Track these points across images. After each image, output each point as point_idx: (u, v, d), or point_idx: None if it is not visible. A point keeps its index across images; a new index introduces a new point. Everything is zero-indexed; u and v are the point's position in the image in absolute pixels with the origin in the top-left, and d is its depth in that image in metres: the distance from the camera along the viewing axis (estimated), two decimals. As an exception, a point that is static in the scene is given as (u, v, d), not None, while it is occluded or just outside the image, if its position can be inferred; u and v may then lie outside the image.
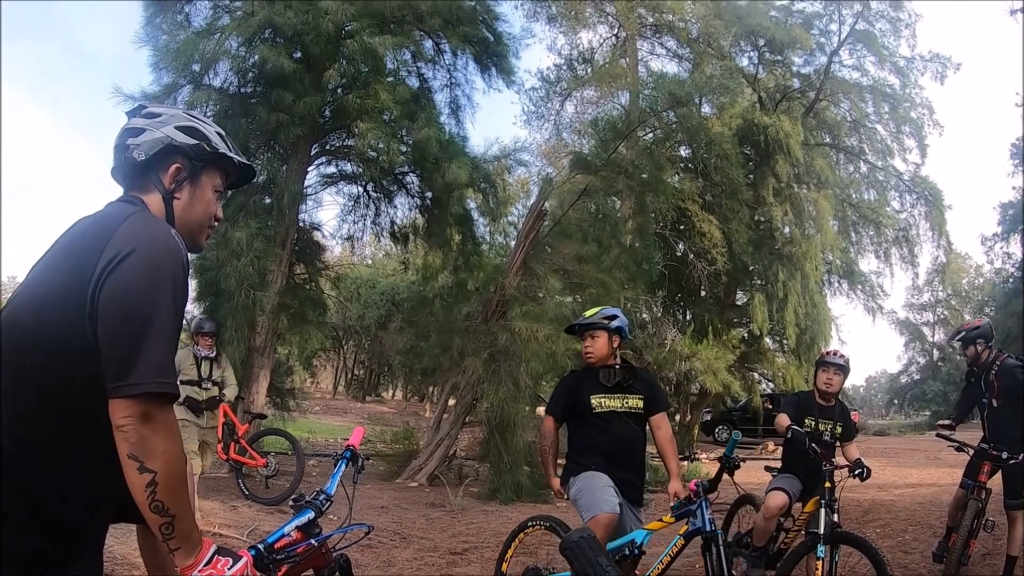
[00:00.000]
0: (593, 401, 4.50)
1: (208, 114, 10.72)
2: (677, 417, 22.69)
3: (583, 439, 4.55)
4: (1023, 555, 5.62)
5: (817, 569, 4.38)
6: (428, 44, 13.02)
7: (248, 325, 10.86)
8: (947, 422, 6.29)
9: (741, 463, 4.30)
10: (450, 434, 12.54)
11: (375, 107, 11.23)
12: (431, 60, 13.26)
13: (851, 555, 4.72)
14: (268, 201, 11.56)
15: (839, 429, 5.47)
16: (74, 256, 1.65)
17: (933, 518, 8.21)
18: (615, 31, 22.59)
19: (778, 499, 5.17)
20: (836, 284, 23.28)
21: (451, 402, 13.24)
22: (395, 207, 14.07)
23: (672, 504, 4.28)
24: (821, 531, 4.49)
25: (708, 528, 3.99)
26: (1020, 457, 5.43)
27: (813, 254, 19.57)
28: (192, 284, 10.67)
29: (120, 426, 1.52)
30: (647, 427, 4.65)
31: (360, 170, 13.08)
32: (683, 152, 20.35)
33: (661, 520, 4.31)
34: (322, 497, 2.53)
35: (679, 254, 19.87)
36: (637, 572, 4.29)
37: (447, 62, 13.41)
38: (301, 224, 12.84)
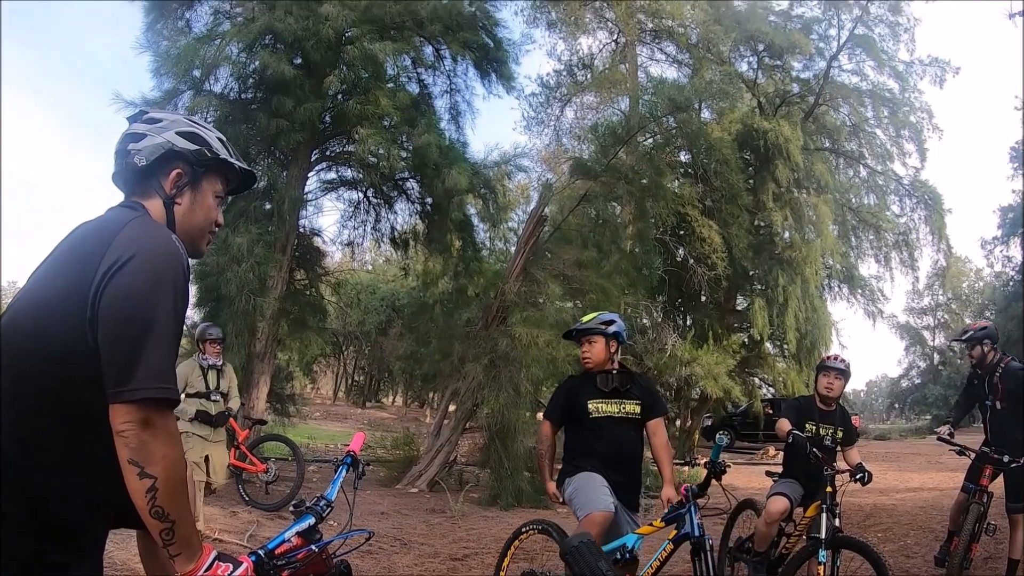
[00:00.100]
0: (590, 406, 4.51)
1: (209, 120, 10.74)
2: (678, 422, 22.68)
3: (580, 443, 4.56)
4: (1025, 559, 5.61)
5: (819, 574, 4.36)
6: (428, 50, 13.05)
7: (248, 331, 10.86)
8: (947, 428, 6.26)
9: (728, 467, 4.29)
10: (450, 440, 12.52)
11: (375, 113, 11.25)
12: (431, 66, 13.29)
13: (853, 560, 4.70)
14: (268, 207, 11.57)
15: (840, 433, 5.47)
16: (75, 261, 1.65)
17: (935, 522, 8.21)
18: (615, 37, 22.63)
19: (779, 504, 5.16)
20: (836, 288, 23.28)
21: (451, 408, 13.23)
22: (395, 213, 14.10)
23: (665, 509, 4.28)
24: (823, 536, 4.49)
25: (696, 533, 3.99)
26: (1022, 460, 5.42)
27: (813, 259, 19.56)
28: (193, 290, 10.68)
29: (120, 431, 1.52)
30: (644, 432, 4.65)
31: (360, 176, 13.09)
32: (683, 157, 20.39)
33: (651, 524, 4.31)
34: (323, 503, 2.52)
35: (679, 259, 19.88)
36: None
37: (447, 68, 13.44)
38: (301, 230, 12.85)
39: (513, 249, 14.08)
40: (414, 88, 13.06)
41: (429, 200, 13.28)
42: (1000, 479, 5.78)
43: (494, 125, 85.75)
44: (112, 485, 1.58)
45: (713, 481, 4.17)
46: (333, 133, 12.67)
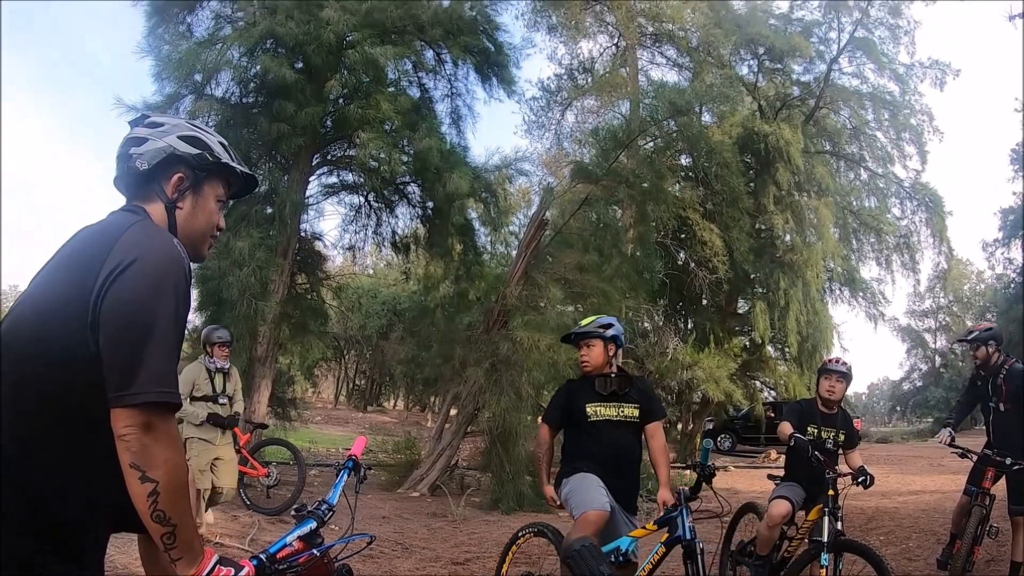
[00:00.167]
0: (589, 409, 4.51)
1: (210, 124, 10.75)
2: (679, 426, 22.67)
3: (578, 447, 4.57)
4: (1028, 562, 5.60)
5: (821, 577, 4.36)
6: (429, 54, 13.06)
7: (250, 335, 10.88)
8: (947, 432, 6.24)
9: (717, 470, 4.29)
10: (452, 444, 12.52)
11: (376, 117, 11.27)
12: (432, 70, 13.30)
13: (855, 563, 4.69)
14: (270, 211, 11.59)
15: (842, 437, 5.45)
16: (76, 266, 1.65)
17: (937, 525, 8.20)
18: (615, 40, 22.64)
19: (781, 507, 5.15)
20: (837, 291, 23.28)
21: (453, 412, 13.23)
22: (396, 217, 14.12)
23: (661, 512, 4.28)
24: (825, 539, 4.49)
25: (687, 536, 3.99)
26: (1024, 463, 5.42)
27: (814, 262, 19.56)
28: (194, 293, 10.68)
29: (122, 435, 1.52)
30: (643, 435, 4.66)
31: (361, 180, 13.11)
32: (684, 161, 20.39)
33: (644, 527, 4.32)
34: (324, 507, 2.52)
35: (680, 263, 19.90)
36: None
37: (448, 72, 13.45)
38: (303, 234, 12.86)
39: (514, 253, 14.10)
40: (415, 92, 13.09)
41: (430, 204, 13.30)
42: (1002, 481, 5.77)
43: (495, 129, 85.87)
44: (113, 487, 1.58)
45: (709, 484, 4.16)
46: (334, 137, 12.69)
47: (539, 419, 5.02)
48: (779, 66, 21.49)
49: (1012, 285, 34.80)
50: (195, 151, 1.88)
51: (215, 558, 1.66)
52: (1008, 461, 5.54)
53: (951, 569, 5.68)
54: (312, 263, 13.40)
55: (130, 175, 1.85)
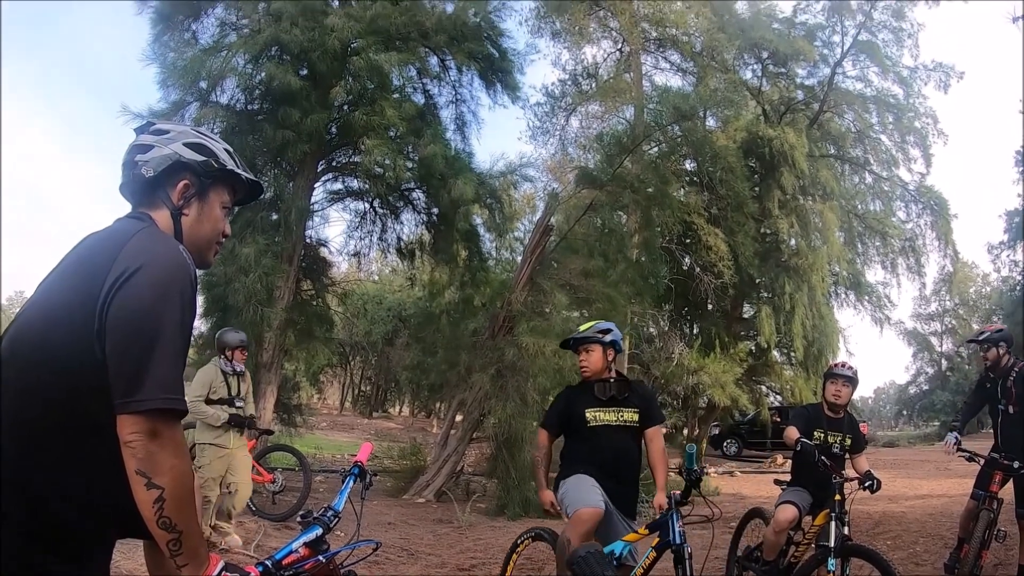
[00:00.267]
0: (588, 415, 4.53)
1: (215, 131, 10.78)
2: (685, 431, 22.64)
3: (577, 452, 4.58)
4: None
5: (828, 582, 4.35)
6: (433, 61, 13.07)
7: (255, 341, 10.87)
8: (952, 437, 6.21)
9: (704, 474, 4.28)
10: (457, 450, 12.51)
11: (381, 124, 11.29)
12: (436, 76, 13.31)
13: (862, 568, 4.69)
14: (275, 217, 11.61)
15: (848, 441, 5.44)
16: (82, 272, 1.65)
17: (944, 529, 8.15)
18: (619, 46, 22.67)
19: (788, 512, 5.14)
20: (843, 295, 23.22)
21: (458, 418, 13.23)
22: (401, 223, 14.11)
23: (657, 516, 4.29)
24: (832, 544, 4.47)
25: (677, 540, 3.99)
26: (1032, 466, 5.40)
27: (819, 266, 19.54)
28: (200, 300, 10.71)
29: (128, 442, 1.53)
30: (643, 440, 4.66)
31: (366, 186, 13.11)
32: (688, 166, 20.40)
33: (636, 532, 4.33)
34: (330, 513, 2.52)
35: (685, 268, 19.91)
36: None
37: (452, 78, 13.45)
38: (308, 240, 12.88)
39: (519, 259, 14.09)
40: (420, 99, 13.10)
41: (435, 210, 13.31)
42: (1010, 485, 5.74)
43: (500, 135, 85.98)
44: (116, 490, 1.58)
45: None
46: (339, 144, 12.71)
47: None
48: (783, 70, 21.52)
49: (1017, 288, 34.62)
50: (201, 158, 1.88)
51: (221, 564, 1.66)
52: (1016, 464, 5.52)
53: (959, 573, 5.66)
54: (317, 269, 13.41)
55: (136, 182, 1.86)
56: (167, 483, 1.53)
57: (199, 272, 1.86)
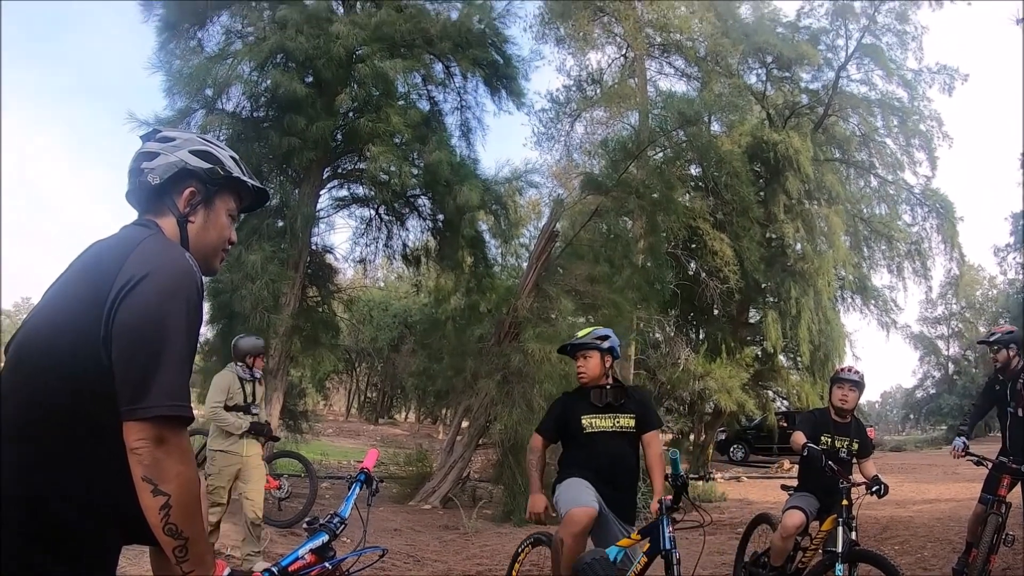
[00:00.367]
0: (584, 421, 4.57)
1: (221, 138, 10.82)
2: (692, 436, 22.59)
3: (574, 458, 4.61)
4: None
5: (836, 588, 4.33)
6: (438, 67, 13.10)
7: (262, 348, 10.88)
8: (960, 442, 6.18)
9: (690, 479, 4.28)
10: (463, 456, 12.51)
11: (386, 130, 11.31)
12: (441, 83, 13.34)
13: (869, 573, 4.67)
14: (281, 224, 11.64)
15: (855, 446, 5.42)
16: (89, 279, 1.66)
17: (952, 534, 8.13)
18: (623, 51, 22.68)
19: (795, 518, 5.12)
20: (849, 300, 23.18)
21: (464, 424, 13.22)
22: (407, 230, 14.13)
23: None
24: (839, 549, 4.46)
25: (666, 546, 3.99)
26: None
27: (825, 270, 19.49)
28: (206, 307, 10.73)
29: (134, 449, 1.53)
30: (640, 445, 4.68)
31: (372, 193, 13.14)
32: (693, 171, 20.40)
33: (629, 537, 4.33)
34: (336, 520, 2.52)
35: (691, 273, 19.87)
36: None
37: (457, 85, 13.48)
38: (314, 247, 12.91)
39: (525, 265, 14.12)
40: (425, 105, 13.12)
41: (441, 217, 13.32)
42: (1018, 489, 5.71)
43: (505, 141, 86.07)
44: (116, 491, 1.59)
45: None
46: (345, 151, 12.74)
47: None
48: (787, 74, 21.50)
49: (1024, 290, 34.56)
50: (207, 165, 1.88)
51: (227, 571, 1.67)
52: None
53: (967, 578, 5.64)
54: (323, 276, 13.44)
55: (142, 189, 1.86)
56: (173, 490, 1.54)
57: (205, 279, 1.87)
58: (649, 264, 16.20)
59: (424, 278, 15.90)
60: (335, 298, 14.32)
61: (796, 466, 6.46)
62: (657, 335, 20.60)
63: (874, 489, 4.93)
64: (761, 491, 15.31)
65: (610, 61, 23.30)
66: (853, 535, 4.57)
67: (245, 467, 6.68)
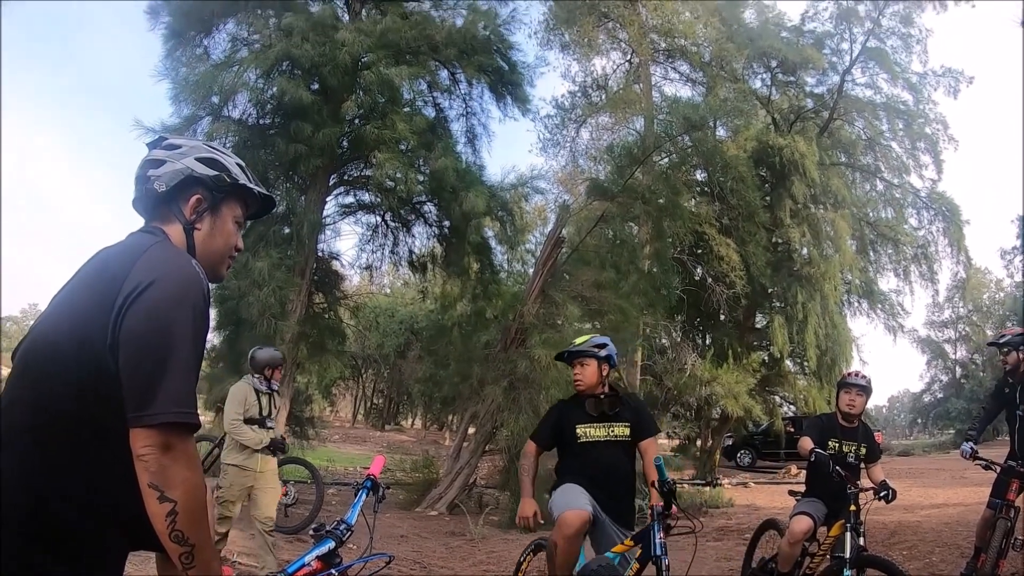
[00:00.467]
0: (579, 431, 4.58)
1: (228, 145, 10.85)
2: (698, 442, 22.54)
3: (570, 466, 4.63)
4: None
5: (844, 594, 4.32)
6: (444, 74, 13.13)
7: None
8: (969, 446, 6.15)
9: (676, 484, 4.27)
10: (470, 463, 12.50)
11: (392, 137, 11.34)
12: (447, 90, 13.38)
13: (878, 579, 4.65)
14: (287, 231, 11.66)
15: (863, 450, 5.40)
16: (96, 286, 1.66)
17: (961, 539, 8.09)
18: (628, 57, 22.71)
19: (803, 523, 5.10)
20: (856, 304, 23.07)
21: (471, 430, 13.22)
22: (413, 236, 14.15)
23: None
24: (847, 555, 4.44)
25: (656, 552, 3.99)
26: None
27: (832, 274, 19.44)
28: (213, 313, 10.75)
29: (141, 455, 1.53)
30: (637, 452, 4.69)
31: (378, 200, 13.16)
32: (699, 176, 20.36)
33: (623, 543, 4.32)
34: (342, 527, 2.52)
35: (697, 278, 19.85)
36: None
37: (463, 92, 13.52)
38: (320, 253, 12.93)
39: (531, 271, 14.11)
40: (430, 112, 13.17)
41: (447, 223, 13.34)
42: (1027, 493, 5.69)
43: (510, 147, 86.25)
44: (116, 492, 1.59)
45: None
46: (351, 157, 12.77)
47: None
48: (792, 78, 21.48)
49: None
50: (213, 173, 1.89)
51: (234, 577, 1.66)
52: (1032, 473, 5.48)
53: (976, 583, 5.61)
54: (329, 283, 13.46)
55: (148, 197, 1.87)
56: (180, 496, 1.54)
57: (212, 286, 1.87)
58: (655, 270, 16.18)
59: (430, 284, 15.91)
60: (341, 304, 14.33)
61: (803, 471, 6.44)
62: (664, 341, 20.59)
63: (882, 494, 4.91)
64: (768, 497, 15.26)
65: (615, 67, 23.37)
66: (861, 540, 4.55)
67: (259, 481, 6.47)
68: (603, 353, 4.68)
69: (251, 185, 1.98)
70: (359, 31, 11.28)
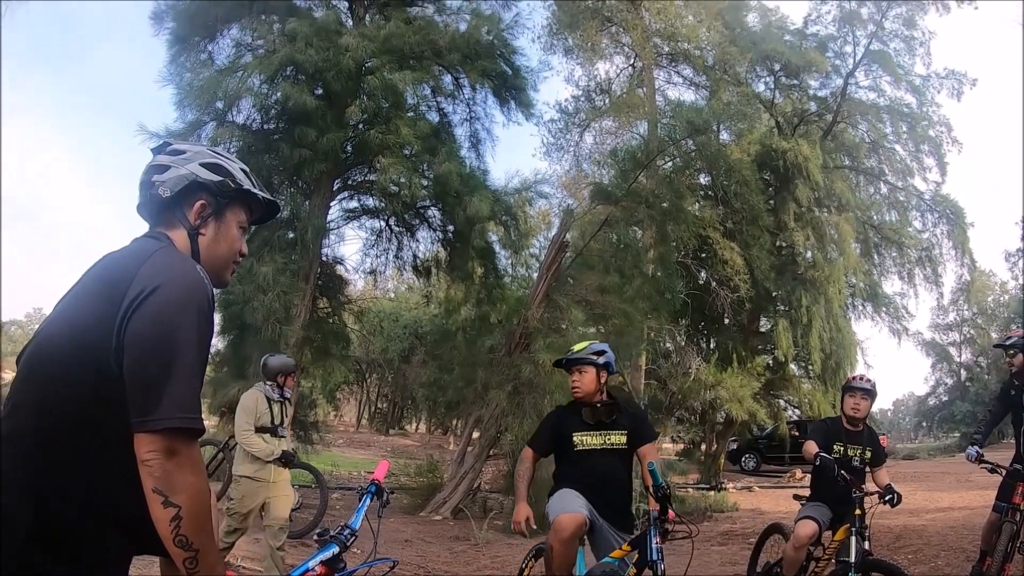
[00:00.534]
0: (575, 439, 4.58)
1: (232, 150, 10.89)
2: (703, 446, 22.51)
3: (567, 474, 4.63)
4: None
5: (850, 598, 4.31)
6: (447, 79, 13.16)
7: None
8: (974, 450, 6.12)
9: (671, 488, 4.26)
10: (474, 467, 12.49)
11: (396, 142, 11.36)
12: (450, 95, 13.40)
13: (884, 583, 4.64)
14: (292, 236, 11.68)
15: (868, 454, 5.38)
16: (101, 291, 1.66)
17: (966, 542, 8.05)
18: (631, 61, 22.72)
19: (808, 528, 5.09)
20: (860, 307, 23.07)
21: (475, 435, 13.21)
22: (417, 241, 14.17)
23: None
24: (852, 559, 4.43)
25: (652, 557, 3.98)
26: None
27: (836, 278, 19.43)
28: (217, 318, 10.76)
29: (145, 460, 1.53)
30: (635, 459, 4.69)
31: (382, 204, 13.19)
32: (703, 180, 20.35)
33: (620, 548, 4.32)
34: (347, 531, 2.52)
35: (701, 282, 19.83)
36: None
37: (466, 96, 13.54)
38: (324, 258, 12.95)
39: (535, 275, 14.10)
40: (434, 117, 13.18)
41: (451, 228, 13.36)
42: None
43: (514, 152, 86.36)
44: (117, 492, 1.59)
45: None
46: (355, 162, 12.79)
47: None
48: (795, 82, 21.51)
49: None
50: (217, 178, 1.89)
51: (238, 582, 1.67)
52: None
53: (982, 587, 5.59)
54: (334, 287, 13.48)
55: (153, 202, 1.87)
56: (184, 501, 1.54)
57: (217, 291, 1.87)
58: (659, 274, 16.17)
59: (434, 289, 15.92)
60: (346, 309, 14.36)
61: (808, 475, 6.43)
62: (668, 345, 20.55)
63: (887, 498, 4.89)
64: (773, 501, 15.22)
65: (618, 71, 23.40)
66: (866, 545, 4.53)
67: (272, 493, 6.33)
68: (601, 360, 4.67)
69: (255, 190, 1.98)
70: (363, 36, 11.31)
